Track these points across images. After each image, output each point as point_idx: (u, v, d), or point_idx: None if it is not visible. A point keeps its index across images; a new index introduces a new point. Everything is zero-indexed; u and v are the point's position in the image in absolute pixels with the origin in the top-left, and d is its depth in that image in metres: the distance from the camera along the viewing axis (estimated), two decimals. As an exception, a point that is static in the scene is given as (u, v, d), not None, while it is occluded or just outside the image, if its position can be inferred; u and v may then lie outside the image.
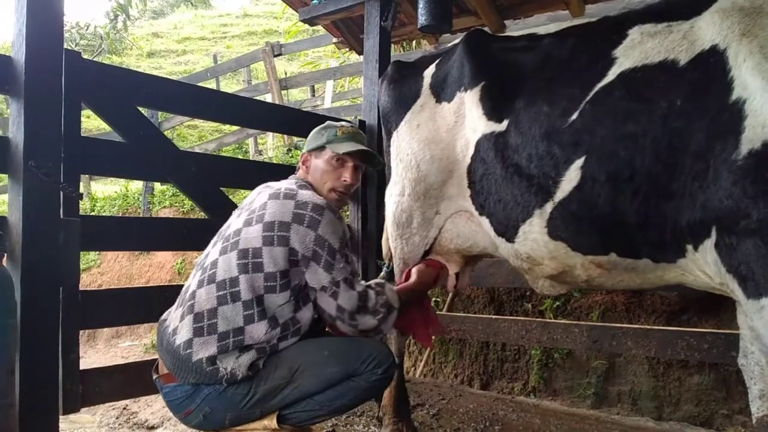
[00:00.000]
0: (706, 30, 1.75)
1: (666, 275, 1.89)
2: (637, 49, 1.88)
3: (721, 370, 3.10)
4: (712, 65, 1.69)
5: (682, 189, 1.68)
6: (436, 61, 2.57)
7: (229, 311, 1.83)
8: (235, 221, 2.01)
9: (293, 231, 1.86)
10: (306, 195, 1.96)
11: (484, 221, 2.29)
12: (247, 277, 1.84)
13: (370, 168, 2.30)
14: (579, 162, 1.89)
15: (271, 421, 1.89)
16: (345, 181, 2.10)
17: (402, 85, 2.65)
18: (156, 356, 2.03)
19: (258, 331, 1.84)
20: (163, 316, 2.06)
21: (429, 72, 2.57)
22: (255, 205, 1.98)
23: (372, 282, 2.04)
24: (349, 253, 1.95)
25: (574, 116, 1.93)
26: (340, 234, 1.92)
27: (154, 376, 1.98)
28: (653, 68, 1.81)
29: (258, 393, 1.85)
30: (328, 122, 2.22)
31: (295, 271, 1.88)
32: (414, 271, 2.40)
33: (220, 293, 1.85)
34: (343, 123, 2.23)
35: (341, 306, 1.89)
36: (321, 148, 2.12)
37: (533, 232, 2.08)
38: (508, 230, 2.18)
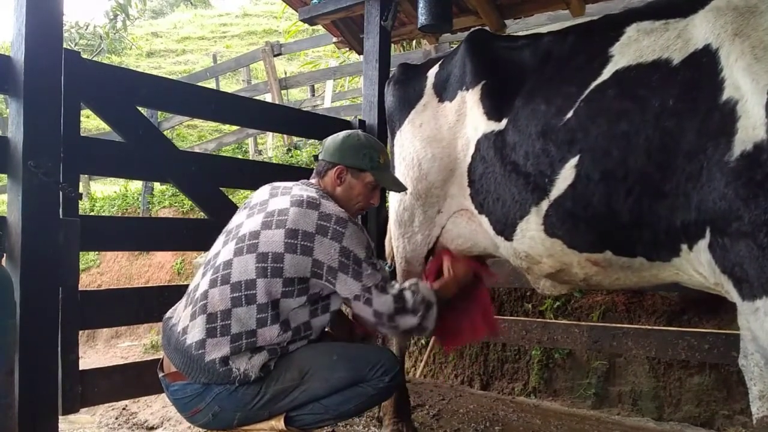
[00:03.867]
0: (700, 29, 1.74)
1: (661, 274, 1.89)
2: (632, 47, 1.88)
3: (721, 371, 3.09)
4: (704, 65, 1.68)
5: (675, 189, 1.67)
6: (440, 62, 2.58)
7: (243, 313, 1.83)
8: (247, 221, 1.98)
9: (317, 242, 1.86)
10: (330, 207, 1.96)
11: (484, 220, 2.29)
12: (265, 282, 1.84)
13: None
14: (574, 160, 1.90)
15: (279, 422, 1.89)
16: (374, 204, 2.20)
17: (406, 86, 2.66)
18: (158, 355, 2.03)
19: (270, 334, 1.84)
20: (168, 314, 2.05)
21: (432, 72, 2.58)
22: (272, 208, 1.95)
23: (406, 283, 2.04)
24: (377, 261, 1.96)
25: (570, 114, 1.93)
26: (365, 244, 1.94)
27: (160, 375, 1.98)
28: (647, 67, 1.81)
29: (268, 394, 1.86)
30: (368, 140, 2.15)
31: (315, 282, 1.89)
32: (445, 267, 2.38)
33: (234, 295, 1.85)
34: (380, 143, 2.21)
35: (378, 311, 1.90)
36: (361, 170, 2.10)
37: (530, 230, 2.08)
38: (506, 228, 2.18)
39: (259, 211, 1.98)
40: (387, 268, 2.88)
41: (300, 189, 2.04)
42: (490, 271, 2.63)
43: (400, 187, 2.24)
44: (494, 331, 2.67)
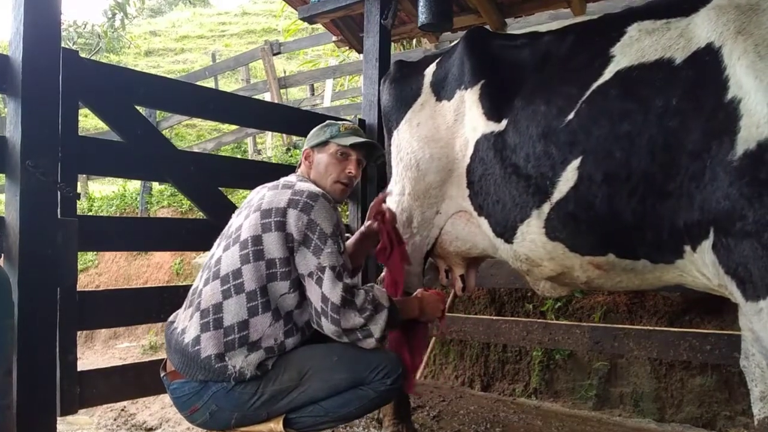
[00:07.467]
0: (702, 27, 1.73)
1: (664, 276, 1.88)
2: (634, 47, 1.87)
3: (723, 372, 3.08)
4: (707, 64, 1.68)
5: (679, 189, 1.67)
6: (438, 60, 2.56)
7: (234, 304, 1.84)
8: (236, 220, 2.03)
9: (289, 215, 1.86)
10: (304, 185, 1.97)
11: (483, 222, 2.28)
12: (249, 267, 1.84)
13: (372, 162, 2.32)
14: (576, 162, 1.88)
15: (278, 424, 1.88)
16: (350, 173, 2.11)
17: (403, 84, 2.64)
18: (156, 357, 2.02)
19: (262, 323, 1.84)
20: (171, 318, 2.08)
21: (430, 70, 2.56)
22: (255, 201, 1.99)
23: (364, 286, 1.96)
24: (342, 243, 1.92)
25: (571, 115, 1.92)
26: (334, 221, 1.90)
27: (162, 374, 1.99)
28: (649, 66, 1.80)
29: (266, 394, 1.85)
30: (328, 120, 2.22)
31: (293, 260, 1.88)
32: (420, 291, 2.20)
33: (224, 287, 1.86)
34: (345, 121, 2.23)
35: (325, 295, 1.82)
36: (324, 143, 2.12)
37: (531, 233, 2.07)
38: (506, 231, 2.17)
39: (246, 208, 2.01)
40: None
41: (281, 178, 2.09)
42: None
43: (363, 140, 2.12)
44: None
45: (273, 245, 1.85)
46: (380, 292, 1.94)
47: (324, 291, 1.83)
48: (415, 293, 2.18)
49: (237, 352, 1.82)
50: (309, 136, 2.20)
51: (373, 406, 1.97)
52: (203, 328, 1.84)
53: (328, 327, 1.85)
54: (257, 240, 1.86)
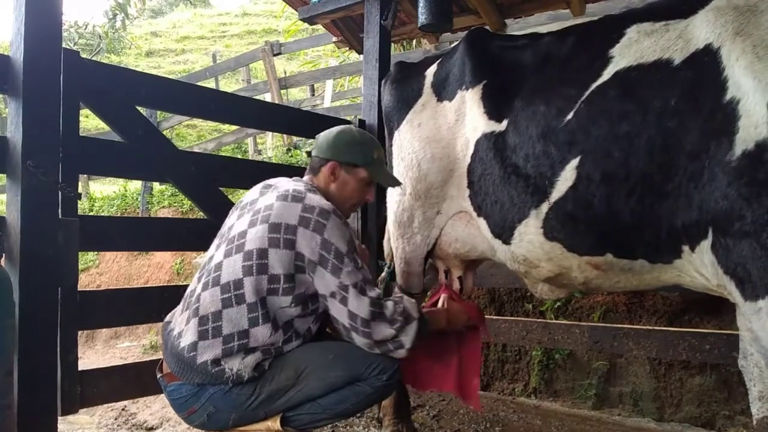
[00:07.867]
0: (701, 29, 1.73)
1: (663, 276, 1.88)
2: (633, 48, 1.87)
3: (722, 371, 3.09)
4: (705, 64, 1.68)
5: (677, 189, 1.67)
6: (438, 61, 2.57)
7: (234, 314, 1.83)
8: (237, 222, 1.98)
9: (300, 235, 1.83)
10: (314, 199, 1.93)
11: (482, 222, 2.28)
12: (251, 279, 1.82)
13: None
14: (574, 162, 1.88)
15: (275, 423, 1.88)
16: (369, 200, 2.17)
17: (404, 85, 2.65)
18: (157, 356, 2.03)
19: (262, 333, 1.83)
20: (167, 318, 2.06)
21: (431, 71, 2.56)
22: (259, 206, 1.95)
23: (392, 297, 2.00)
24: (359, 258, 1.92)
25: (570, 116, 1.92)
26: (348, 238, 1.89)
27: (158, 375, 1.99)
28: (648, 67, 1.80)
29: (263, 394, 1.85)
30: (362, 135, 2.15)
31: (301, 278, 1.86)
32: (441, 301, 2.22)
33: (224, 296, 1.84)
34: (374, 139, 2.20)
35: (352, 312, 1.84)
36: (355, 166, 2.08)
37: (529, 233, 2.07)
38: (504, 231, 2.17)
39: (249, 211, 1.98)
40: (387, 268, 2.88)
41: (288, 184, 2.04)
42: (485, 328, 2.46)
43: (395, 182, 2.21)
44: (466, 396, 2.40)
45: (278, 262, 1.82)
46: (410, 304, 1.97)
47: (350, 308, 1.84)
48: (440, 303, 2.22)
49: (234, 356, 1.82)
50: (337, 144, 2.09)
51: (369, 402, 1.97)
52: (201, 335, 1.83)
53: (360, 341, 1.88)
54: (263, 254, 1.83)
